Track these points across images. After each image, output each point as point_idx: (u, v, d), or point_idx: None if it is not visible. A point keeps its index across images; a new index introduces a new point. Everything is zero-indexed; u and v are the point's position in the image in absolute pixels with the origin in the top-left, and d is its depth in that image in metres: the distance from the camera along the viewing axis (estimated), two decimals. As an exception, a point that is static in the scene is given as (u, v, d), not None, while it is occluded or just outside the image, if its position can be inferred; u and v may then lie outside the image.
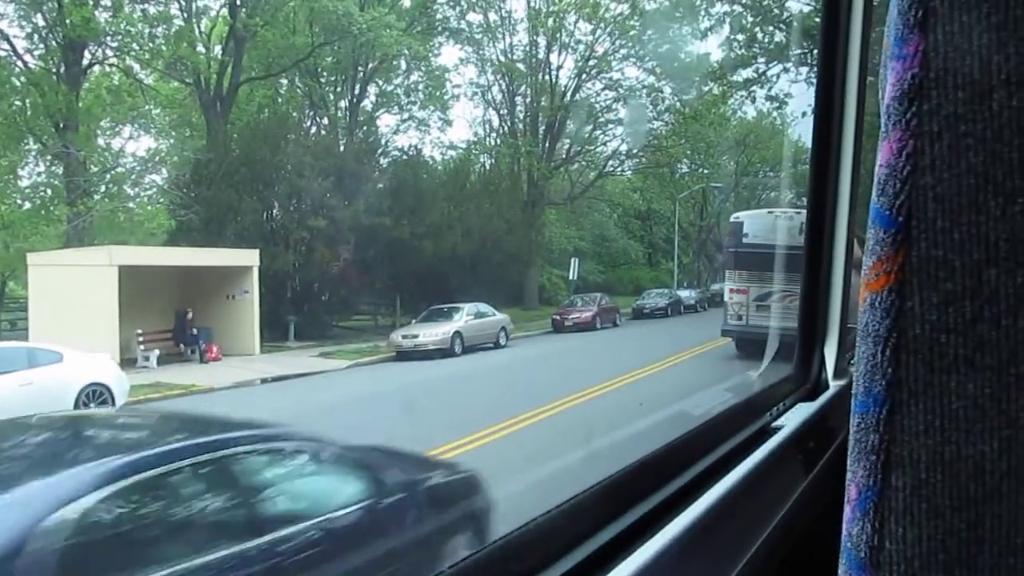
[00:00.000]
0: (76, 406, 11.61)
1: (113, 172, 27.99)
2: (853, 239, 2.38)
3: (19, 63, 25.32)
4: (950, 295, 0.55)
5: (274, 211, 25.03)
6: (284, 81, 32.92)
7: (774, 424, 1.99)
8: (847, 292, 2.40)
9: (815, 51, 2.55)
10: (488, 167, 35.68)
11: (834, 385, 2.36)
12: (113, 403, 12.09)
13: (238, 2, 28.22)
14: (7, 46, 24.80)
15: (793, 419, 2.04)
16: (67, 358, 11.97)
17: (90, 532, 3.01)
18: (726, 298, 15.18)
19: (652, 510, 1.35)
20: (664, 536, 1.23)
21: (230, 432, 4.19)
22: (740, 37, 27.50)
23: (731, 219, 15.59)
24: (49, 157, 27.15)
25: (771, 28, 27.27)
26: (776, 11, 27.19)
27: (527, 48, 36.34)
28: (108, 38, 26.37)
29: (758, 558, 1.38)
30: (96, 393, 11.91)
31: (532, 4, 35.55)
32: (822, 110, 2.30)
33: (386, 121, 35.67)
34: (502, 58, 36.63)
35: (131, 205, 27.96)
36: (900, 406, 0.57)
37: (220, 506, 3.56)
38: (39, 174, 29.13)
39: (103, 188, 27.45)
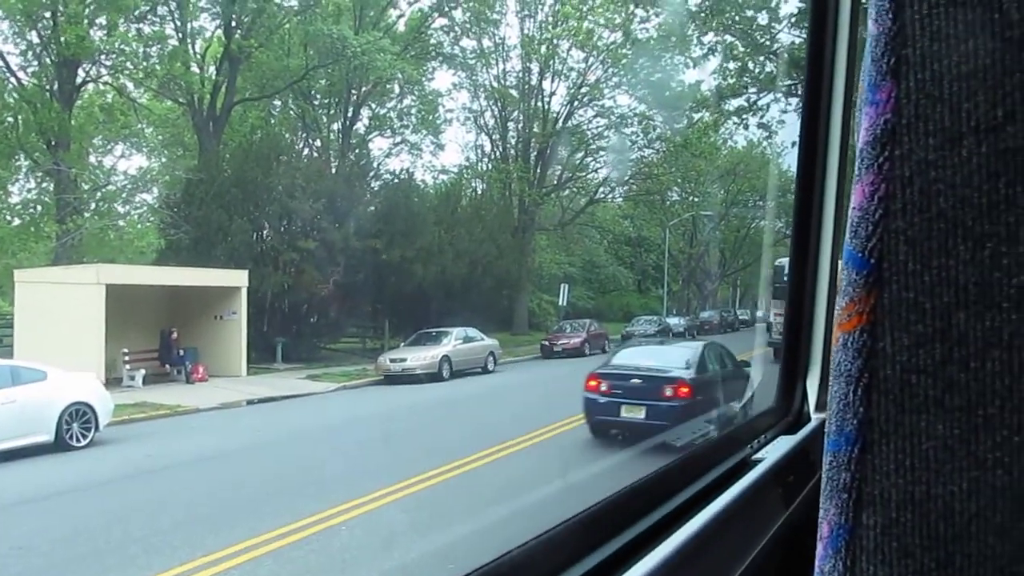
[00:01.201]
0: (59, 425, 11.52)
1: (104, 190, 27.92)
2: (837, 273, 2.33)
3: (12, 79, 25.34)
4: (921, 337, 0.56)
5: (264, 232, 24.97)
6: (277, 103, 33.01)
7: (755, 457, 2.00)
8: (830, 326, 2.34)
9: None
10: (480, 192, 35.79)
11: (816, 418, 2.36)
12: (96, 423, 11.99)
13: (233, 24, 28.35)
14: (0, 63, 24.84)
15: (774, 452, 2.05)
16: (51, 377, 11.88)
17: (705, 356, 12.81)
18: (771, 319, 18.20)
19: (631, 541, 1.35)
20: (643, 567, 1.24)
21: (710, 344, 14.56)
22: (731, 66, 27.79)
23: (775, 263, 18.43)
24: (40, 174, 27.11)
25: (762, 59, 27.58)
26: (766, 42, 27.50)
27: (520, 74, 36.64)
28: (103, 57, 26.42)
29: None
30: (79, 412, 11.81)
31: (525, 31, 35.90)
32: (807, 144, 2.32)
33: (379, 144, 35.83)
34: (495, 84, 36.90)
35: (121, 223, 27.85)
36: (871, 445, 0.58)
37: (717, 357, 13.03)
38: (30, 191, 29.11)
39: (93, 206, 27.39)
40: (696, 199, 40.87)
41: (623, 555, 1.30)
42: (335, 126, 33.75)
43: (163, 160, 31.70)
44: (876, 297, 0.57)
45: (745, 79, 27.60)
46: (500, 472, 10.24)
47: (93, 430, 11.92)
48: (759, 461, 1.95)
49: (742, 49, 27.70)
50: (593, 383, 11.87)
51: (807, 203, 2.35)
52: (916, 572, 0.57)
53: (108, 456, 11.54)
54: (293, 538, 7.35)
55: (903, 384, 0.57)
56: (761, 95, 27.58)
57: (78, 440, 11.70)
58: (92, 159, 29.75)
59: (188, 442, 12.87)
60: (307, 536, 7.41)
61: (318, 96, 33.44)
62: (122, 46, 26.43)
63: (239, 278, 20.72)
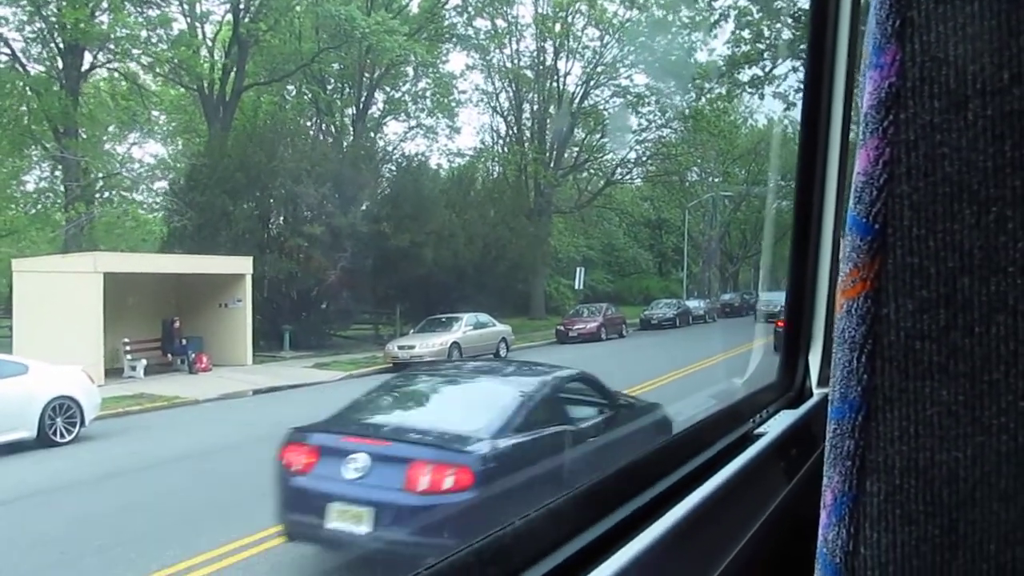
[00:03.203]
0: (42, 419, 11.13)
1: (114, 177, 27.69)
2: (839, 246, 2.31)
3: (18, 67, 25.05)
4: (925, 302, 0.56)
5: (270, 217, 24.58)
6: (291, 87, 32.57)
7: (756, 431, 2.01)
8: (832, 300, 2.34)
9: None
10: (495, 174, 35.24)
11: (818, 393, 2.37)
12: (82, 417, 11.58)
13: (241, 6, 27.89)
14: (7, 51, 24.55)
15: (776, 426, 2.07)
16: (33, 370, 11.47)
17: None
18: None
19: (632, 514, 1.37)
20: (644, 540, 1.24)
21: None
22: (745, 34, 26.78)
23: None
24: (50, 162, 26.93)
25: (778, 25, 26.60)
26: (782, 4, 26.50)
27: (534, 54, 35.94)
28: (108, 43, 26.02)
29: (737, 563, 1.39)
30: (63, 407, 11.39)
31: (539, 10, 35.17)
32: (809, 116, 2.29)
33: (394, 128, 35.33)
34: (509, 64, 36.23)
35: (127, 210, 27.59)
36: (875, 412, 0.58)
37: None
38: (42, 180, 28.99)
39: (107, 194, 27.21)
40: (716, 179, 40.14)
41: (626, 527, 1.30)
42: (349, 110, 33.27)
43: (178, 147, 31.45)
44: (880, 263, 0.57)
45: (760, 46, 26.63)
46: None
47: (79, 425, 11.48)
48: (761, 435, 1.97)
49: (756, 14, 26.66)
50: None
51: (809, 174, 2.30)
52: (920, 539, 0.57)
53: (89, 454, 11.06)
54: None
55: (907, 350, 0.57)
56: (778, 63, 26.65)
57: (62, 436, 11.26)
58: (107, 146, 29.59)
59: (180, 437, 12.44)
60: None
61: (332, 80, 32.95)
62: (125, 31, 26.02)
63: (243, 265, 20.32)
